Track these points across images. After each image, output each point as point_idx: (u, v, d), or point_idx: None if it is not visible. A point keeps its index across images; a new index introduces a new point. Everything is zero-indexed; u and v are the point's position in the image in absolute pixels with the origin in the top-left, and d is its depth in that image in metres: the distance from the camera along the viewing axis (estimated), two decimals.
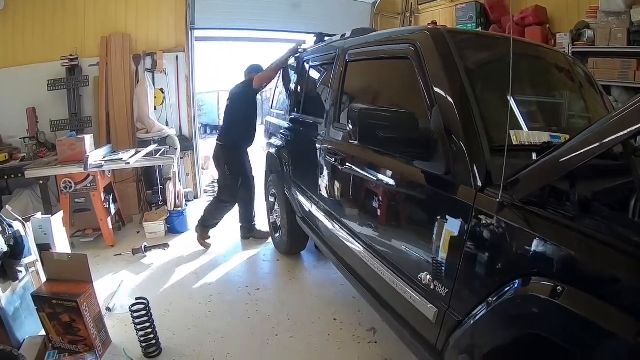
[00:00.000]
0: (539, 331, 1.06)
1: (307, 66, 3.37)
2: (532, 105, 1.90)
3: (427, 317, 1.58)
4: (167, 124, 5.25)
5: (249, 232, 4.25)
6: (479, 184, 1.37)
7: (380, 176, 1.95)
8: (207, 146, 7.08)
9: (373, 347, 2.54)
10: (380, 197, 1.96)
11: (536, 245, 1.13)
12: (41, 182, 3.94)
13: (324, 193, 2.63)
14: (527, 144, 1.56)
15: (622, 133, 0.94)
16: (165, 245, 4.00)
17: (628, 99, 2.86)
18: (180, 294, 3.18)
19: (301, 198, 3.12)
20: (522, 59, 1.99)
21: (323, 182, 2.64)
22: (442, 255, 1.48)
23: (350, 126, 1.70)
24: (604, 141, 0.98)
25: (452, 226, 1.43)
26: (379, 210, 1.97)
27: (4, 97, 4.65)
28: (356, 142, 1.69)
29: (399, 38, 2.04)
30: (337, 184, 2.42)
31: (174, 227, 4.46)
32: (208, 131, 14.92)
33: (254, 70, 3.95)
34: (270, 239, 4.16)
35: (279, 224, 3.85)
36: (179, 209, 4.53)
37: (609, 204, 1.14)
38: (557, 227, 1.09)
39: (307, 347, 2.54)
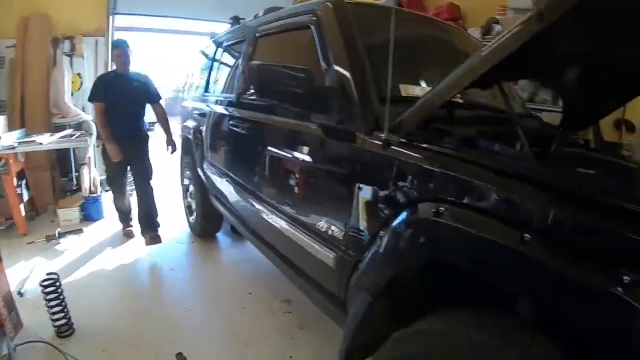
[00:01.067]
0: (429, 254, 1.19)
1: (220, 49, 3.39)
2: (423, 66, 2.09)
3: (328, 265, 1.68)
4: (83, 110, 4.97)
5: (143, 231, 3.69)
6: (368, 128, 1.49)
7: (282, 137, 2.06)
8: None
9: (288, 316, 2.62)
10: (282, 156, 2.05)
11: (418, 174, 1.27)
12: None
13: (232, 165, 2.68)
14: (416, 96, 1.71)
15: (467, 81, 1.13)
16: (80, 231, 3.85)
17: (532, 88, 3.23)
18: (95, 278, 3.06)
19: (212, 175, 3.13)
20: (420, 31, 2.19)
21: (232, 154, 2.69)
22: (336, 198, 1.59)
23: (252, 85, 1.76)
24: (456, 85, 1.16)
25: (345, 169, 1.55)
26: (280, 169, 2.06)
27: None
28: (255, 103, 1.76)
29: (303, 11, 2.14)
30: (243, 153, 2.49)
31: (89, 214, 4.25)
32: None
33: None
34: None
35: (193, 207, 3.82)
36: (95, 195, 4.30)
37: (474, 136, 1.32)
38: (434, 155, 1.24)
39: (222, 321, 2.56)
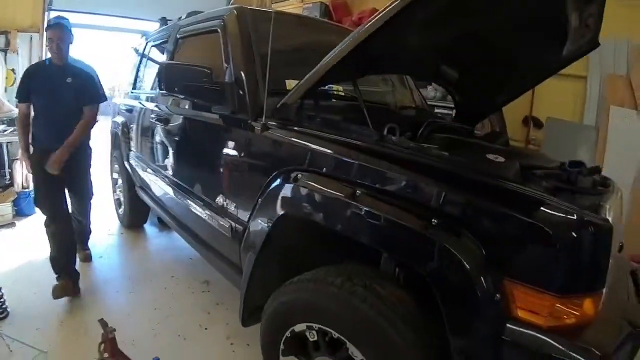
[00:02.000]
0: (289, 211, 1.50)
1: (148, 47, 3.59)
2: (311, 64, 2.44)
3: (226, 235, 1.97)
4: (16, 106, 4.92)
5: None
6: (254, 115, 1.81)
7: (190, 128, 2.34)
8: None
9: (206, 295, 2.86)
10: (190, 144, 2.34)
11: (284, 149, 1.59)
12: None
13: (152, 156, 2.92)
14: None
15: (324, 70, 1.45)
16: (12, 224, 3.88)
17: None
18: (28, 267, 3.14)
19: (137, 167, 3.32)
20: (312, 33, 2.53)
21: (151, 146, 2.92)
22: (227, 175, 1.89)
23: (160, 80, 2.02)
24: (316, 74, 1.48)
25: (237, 150, 1.86)
26: (189, 156, 2.34)
27: None
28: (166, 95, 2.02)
29: (215, 16, 2.41)
30: (160, 144, 2.73)
31: (21, 209, 4.23)
32: None
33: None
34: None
35: (122, 200, 3.97)
36: (27, 190, 4.30)
37: (334, 119, 1.67)
38: (299, 134, 1.57)
39: (144, 300, 2.77)
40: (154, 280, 3.03)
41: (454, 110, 2.49)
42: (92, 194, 3.17)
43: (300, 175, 1.46)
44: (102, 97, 2.92)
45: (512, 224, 1.00)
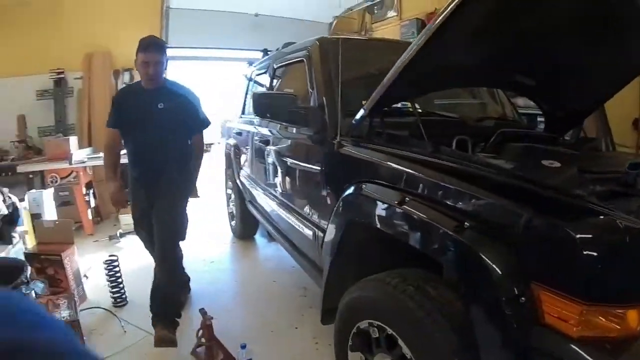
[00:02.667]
0: (355, 218, 1.69)
1: (253, 76, 4.05)
2: None
3: (311, 241, 2.21)
4: None
5: (154, 319, 2.44)
6: (332, 135, 2.02)
7: (283, 145, 2.66)
8: None
9: (303, 299, 3.13)
10: (282, 160, 2.62)
11: (355, 163, 1.79)
12: (31, 176, 4.52)
13: (256, 172, 3.29)
14: None
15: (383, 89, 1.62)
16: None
17: None
18: (148, 265, 3.65)
19: (246, 183, 3.76)
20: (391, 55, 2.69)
21: (255, 164, 3.31)
22: (311, 188, 2.12)
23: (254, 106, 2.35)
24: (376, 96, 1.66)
25: (317, 165, 2.09)
26: (283, 171, 2.62)
27: None
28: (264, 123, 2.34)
29: (302, 47, 2.71)
30: (261, 162, 3.09)
31: None
32: None
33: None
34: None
35: (234, 213, 4.47)
36: None
37: (400, 135, 1.82)
38: (365, 149, 1.77)
39: (244, 300, 3.16)
40: (257, 284, 3.40)
41: (544, 119, 2.43)
42: (184, 234, 2.71)
43: (363, 186, 1.64)
44: (204, 123, 2.69)
45: (541, 228, 1.03)
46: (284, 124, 2.46)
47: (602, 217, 1.00)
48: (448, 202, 1.25)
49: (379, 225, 1.52)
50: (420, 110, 2.22)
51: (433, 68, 1.59)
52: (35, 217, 3.24)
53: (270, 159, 2.95)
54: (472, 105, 2.86)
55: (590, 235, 0.96)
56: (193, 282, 3.27)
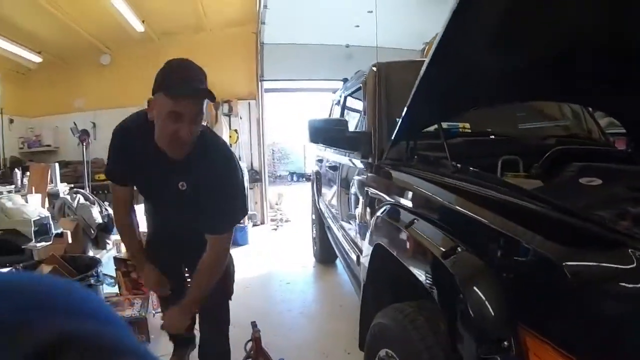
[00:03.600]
0: (382, 241, 1.65)
1: (332, 105, 4.21)
2: None
3: (356, 264, 2.20)
4: (239, 158, 6.38)
5: None
6: (376, 159, 2.04)
7: (339, 170, 2.73)
8: (292, 191, 8.43)
9: None
10: (339, 184, 2.68)
11: (387, 186, 1.77)
12: None
13: (327, 195, 3.37)
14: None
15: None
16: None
17: None
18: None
19: (322, 207, 3.85)
20: None
21: (325, 187, 3.39)
22: (355, 210, 2.13)
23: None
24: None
25: (361, 187, 2.11)
26: (339, 193, 2.66)
27: (110, 131, 6.10)
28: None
29: (362, 74, 2.77)
30: (328, 185, 3.16)
31: (236, 239, 5.37)
32: (295, 178, 16.30)
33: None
34: None
35: (316, 237, 4.58)
36: (242, 225, 5.46)
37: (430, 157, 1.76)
38: (396, 171, 1.75)
39: (306, 320, 3.23)
40: (322, 307, 3.48)
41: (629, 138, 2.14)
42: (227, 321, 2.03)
43: (386, 207, 1.61)
44: (236, 216, 1.79)
45: (533, 259, 0.86)
46: (336, 149, 2.51)
47: (613, 249, 0.81)
48: (448, 225, 1.17)
49: (388, 248, 1.48)
50: (469, 130, 2.12)
51: (457, 82, 1.51)
52: None
53: (331, 183, 3.03)
54: (555, 127, 2.62)
55: (587, 272, 0.79)
56: (263, 300, 3.44)
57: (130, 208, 1.85)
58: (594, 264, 0.82)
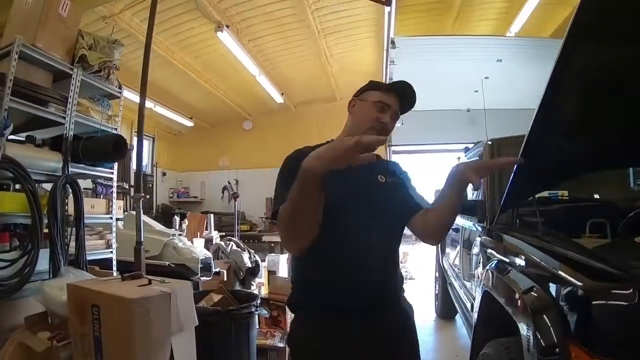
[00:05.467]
0: (489, 288, 2.04)
1: None
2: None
3: (469, 308, 2.56)
4: None
5: None
6: (488, 224, 2.43)
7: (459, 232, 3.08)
8: (416, 250, 8.54)
9: None
10: (459, 244, 3.04)
11: (494, 245, 2.16)
12: (272, 244, 6.05)
13: (450, 253, 3.74)
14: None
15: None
16: None
17: None
18: None
19: (445, 264, 4.20)
20: None
21: (449, 247, 3.77)
22: (474, 265, 2.52)
23: None
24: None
25: (478, 247, 2.49)
26: (458, 252, 3.03)
27: (251, 188, 7.13)
28: None
29: (480, 146, 3.18)
30: (452, 244, 3.54)
31: None
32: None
33: None
34: None
35: (438, 293, 4.87)
36: None
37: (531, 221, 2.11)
38: (502, 234, 2.13)
39: None
40: (440, 355, 3.81)
41: None
42: None
43: (493, 262, 2.00)
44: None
45: (576, 294, 1.22)
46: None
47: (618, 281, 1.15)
48: (530, 273, 1.57)
49: (492, 292, 1.85)
50: (567, 197, 2.41)
51: (551, 158, 1.84)
52: (271, 273, 4.34)
53: (455, 243, 3.41)
54: None
55: (601, 297, 1.14)
56: None
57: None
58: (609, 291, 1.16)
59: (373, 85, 1.53)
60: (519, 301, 1.49)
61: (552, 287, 1.38)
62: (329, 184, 1.09)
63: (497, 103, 6.54)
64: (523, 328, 1.42)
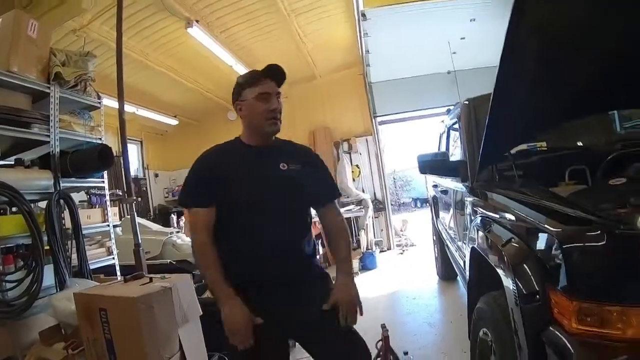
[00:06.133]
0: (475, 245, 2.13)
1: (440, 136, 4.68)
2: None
3: (462, 266, 2.65)
4: (363, 191, 7.10)
5: None
6: (472, 181, 2.50)
7: (447, 193, 3.17)
8: (416, 217, 8.75)
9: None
10: (445, 204, 3.13)
11: (477, 202, 2.24)
12: None
13: (442, 215, 3.83)
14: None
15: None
16: (356, 274, 5.60)
17: None
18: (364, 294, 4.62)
19: (440, 226, 4.30)
20: None
21: (438, 208, 3.86)
22: (463, 223, 2.61)
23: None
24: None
25: (461, 205, 2.58)
26: (447, 212, 3.12)
27: None
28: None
29: (458, 108, 3.23)
30: (439, 205, 3.63)
31: (365, 264, 6.03)
32: (418, 204, 16.57)
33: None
34: None
35: (436, 256, 5.00)
36: (370, 251, 6.08)
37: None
38: (483, 190, 2.21)
39: (436, 327, 3.65)
40: (445, 315, 3.91)
41: None
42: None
43: (478, 219, 2.09)
44: (337, 189, 1.87)
45: (545, 239, 1.31)
46: (442, 176, 3.01)
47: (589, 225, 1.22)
48: (508, 225, 1.65)
49: (479, 249, 1.94)
50: (546, 148, 2.48)
51: (524, 108, 1.90)
52: None
53: (446, 205, 3.51)
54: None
55: (572, 241, 1.22)
56: (392, 312, 4.01)
57: (211, 232, 1.58)
58: (579, 235, 1.24)
59: (244, 84, 1.66)
60: (500, 254, 1.57)
61: (529, 237, 1.47)
62: (232, 177, 1.55)
63: (477, 62, 6.59)
64: (505, 279, 1.50)
